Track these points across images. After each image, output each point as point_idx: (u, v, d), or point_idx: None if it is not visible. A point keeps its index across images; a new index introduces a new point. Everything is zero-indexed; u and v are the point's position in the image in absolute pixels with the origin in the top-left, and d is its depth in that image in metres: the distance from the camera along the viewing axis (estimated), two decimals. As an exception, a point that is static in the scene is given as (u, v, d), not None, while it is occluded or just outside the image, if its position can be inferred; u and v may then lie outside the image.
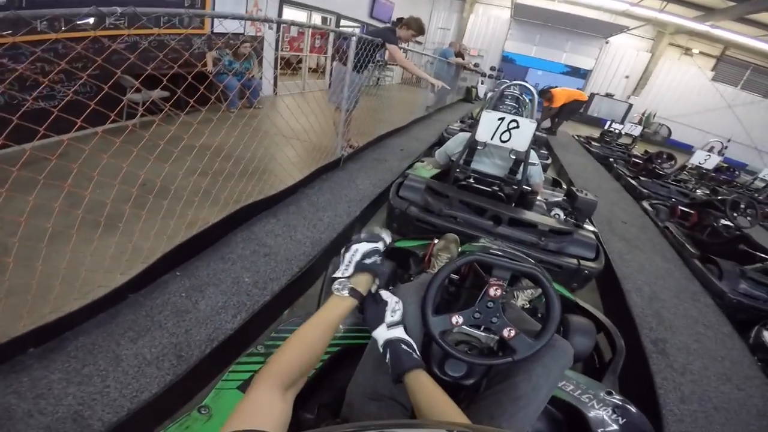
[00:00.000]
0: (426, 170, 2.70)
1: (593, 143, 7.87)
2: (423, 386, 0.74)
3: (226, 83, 4.22)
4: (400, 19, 3.65)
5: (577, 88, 13.57)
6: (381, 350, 0.82)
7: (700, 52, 13.51)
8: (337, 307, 0.79)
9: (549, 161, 4.91)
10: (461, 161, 2.37)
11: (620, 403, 1.13)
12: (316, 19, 7.80)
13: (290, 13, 6.64)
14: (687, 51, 13.58)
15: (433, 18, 15.36)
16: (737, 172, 7.38)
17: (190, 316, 1.41)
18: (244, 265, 1.74)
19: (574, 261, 2.10)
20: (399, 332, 0.83)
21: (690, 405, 1.63)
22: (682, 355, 1.94)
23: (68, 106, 1.43)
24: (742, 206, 3.59)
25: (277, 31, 5.72)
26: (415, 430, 0.49)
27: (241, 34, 5.36)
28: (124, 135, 1.71)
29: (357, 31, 3.36)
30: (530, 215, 2.27)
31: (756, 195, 6.32)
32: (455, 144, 2.47)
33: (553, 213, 2.55)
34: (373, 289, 0.87)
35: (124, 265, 1.54)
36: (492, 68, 14.04)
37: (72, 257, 1.45)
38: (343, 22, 7.90)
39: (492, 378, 0.94)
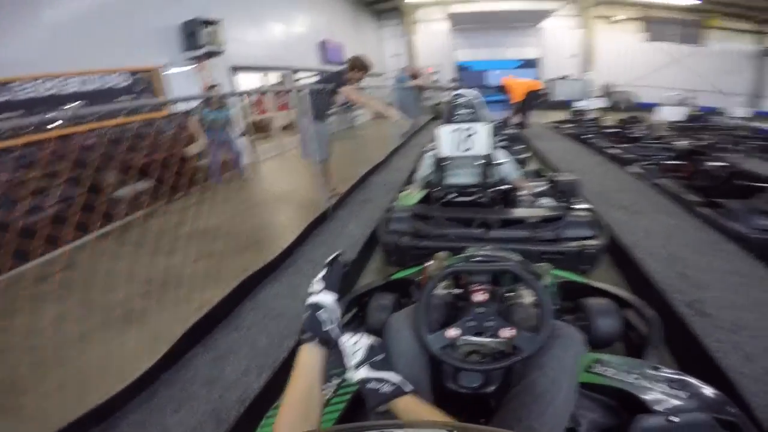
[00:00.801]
0: (411, 198, 2.72)
1: (564, 125, 8.07)
2: (413, 411, 0.73)
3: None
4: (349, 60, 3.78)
5: (535, 78, 14.17)
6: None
7: (627, 18, 14.30)
8: (308, 357, 0.80)
9: (528, 154, 4.95)
10: (435, 180, 2.38)
11: (675, 376, 1.05)
12: (273, 78, 8.11)
13: (245, 78, 6.78)
14: (610, 19, 14.34)
15: (384, 48, 16.08)
16: (708, 118, 7.57)
17: (219, 383, 1.53)
18: (258, 330, 1.85)
19: (575, 243, 2.07)
20: (364, 372, 0.80)
21: (760, 362, 1.47)
22: (725, 311, 1.79)
23: (58, 216, 1.47)
24: (724, 146, 3.65)
25: (241, 98, 5.89)
26: (415, 430, 0.50)
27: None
28: (121, 232, 1.81)
29: (313, 80, 3.47)
30: (516, 211, 2.28)
31: (735, 131, 6.52)
32: (426, 165, 2.50)
33: (540, 203, 2.55)
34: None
35: (149, 351, 1.68)
36: (452, 79, 14.54)
37: (104, 352, 1.68)
38: (299, 74, 8.19)
39: (512, 382, 0.91)
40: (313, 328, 0.82)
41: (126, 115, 3.58)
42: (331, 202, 3.37)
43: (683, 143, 4.83)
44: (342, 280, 0.93)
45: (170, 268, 2.06)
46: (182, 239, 2.16)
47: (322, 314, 0.83)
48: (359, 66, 3.53)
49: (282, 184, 3.00)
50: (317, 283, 0.90)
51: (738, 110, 6.82)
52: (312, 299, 0.87)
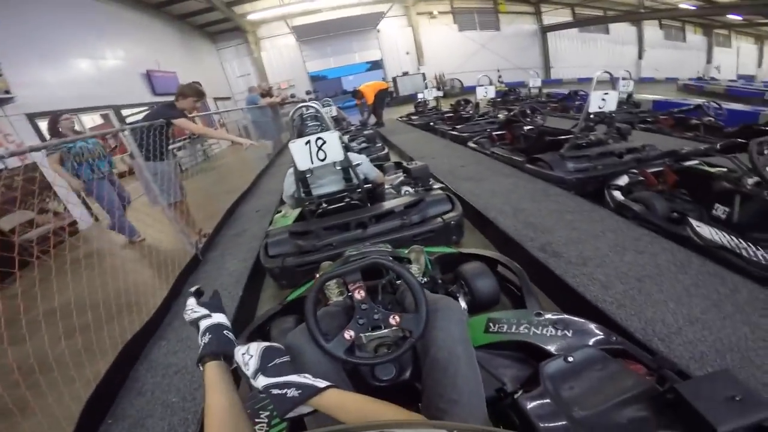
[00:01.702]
0: (286, 218, 2.66)
1: (413, 117, 8.94)
2: (340, 403, 0.70)
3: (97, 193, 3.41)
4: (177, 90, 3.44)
5: (382, 79, 15.28)
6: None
7: (439, 12, 16.61)
8: (219, 372, 0.79)
9: (386, 150, 5.34)
10: (302, 195, 2.41)
11: (556, 317, 1.21)
12: (92, 120, 6.93)
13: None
14: (431, 15, 16.51)
15: (227, 70, 15.22)
16: (518, 90, 9.31)
17: None
18: (163, 389, 1.75)
19: (438, 219, 2.32)
20: (260, 382, 0.76)
21: (615, 287, 1.65)
22: (571, 248, 2.03)
23: None
24: (528, 111, 4.52)
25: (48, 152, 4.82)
26: (415, 430, 0.49)
27: (3, 169, 4.31)
28: None
29: (139, 117, 3.06)
30: (384, 205, 2.46)
31: (538, 99, 8.16)
32: (289, 183, 2.49)
33: (403, 192, 2.78)
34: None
35: None
36: (307, 92, 14.64)
37: None
38: (126, 111, 7.19)
39: (421, 363, 0.97)
40: (223, 349, 0.82)
41: None
42: (200, 245, 3.04)
43: (501, 115, 5.81)
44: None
45: (35, 353, 1.77)
46: (33, 323, 1.84)
47: (230, 333, 0.86)
48: (192, 94, 3.25)
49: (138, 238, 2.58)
50: (197, 309, 0.90)
51: (533, 81, 8.52)
52: (209, 321, 0.87)
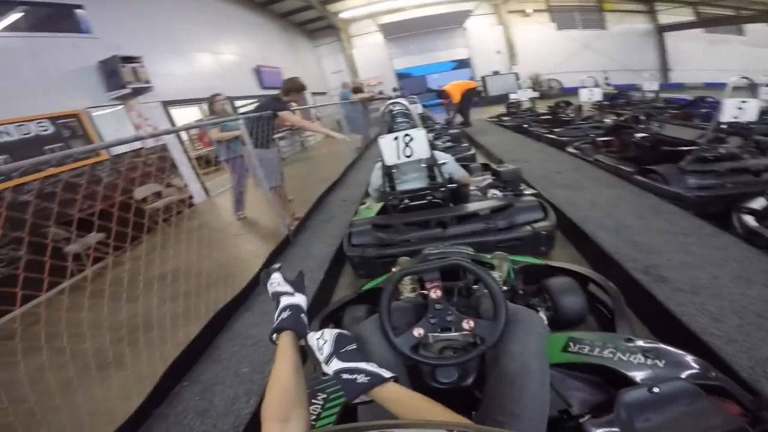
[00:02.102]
0: (370, 210, 2.75)
1: (504, 118, 8.48)
2: (398, 397, 0.71)
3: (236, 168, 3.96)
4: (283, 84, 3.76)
5: (470, 78, 14.87)
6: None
7: (534, 10, 15.45)
8: (290, 342, 0.81)
9: (472, 151, 5.19)
10: (387, 189, 2.46)
11: (649, 345, 1.08)
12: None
13: (179, 113, 6.53)
14: (524, 13, 15.45)
15: (323, 66, 16.17)
16: (629, 93, 8.31)
17: (211, 413, 1.56)
18: (238, 358, 1.88)
19: (527, 227, 2.19)
20: (333, 365, 0.80)
21: (728, 320, 1.46)
22: (681, 273, 1.81)
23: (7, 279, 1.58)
24: (642, 117, 4.00)
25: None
26: (415, 430, 0.49)
27: (141, 148, 5.19)
28: (80, 286, 1.92)
29: (251, 107, 3.41)
30: (468, 206, 2.39)
31: (652, 104, 7.20)
32: (376, 177, 2.57)
33: (490, 194, 2.67)
34: (302, 342, 0.87)
35: (136, 391, 1.70)
36: (394, 89, 14.89)
37: (91, 397, 1.75)
38: (238, 103, 8.01)
39: (487, 372, 0.94)
40: (297, 329, 0.83)
41: (55, 165, 3.37)
42: (291, 228, 3.30)
43: (609, 120, 5.25)
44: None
45: (140, 313, 2.08)
46: (148, 284, 2.18)
47: (305, 318, 0.87)
48: (294, 88, 3.54)
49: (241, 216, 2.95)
50: (282, 284, 0.93)
51: (648, 84, 7.52)
52: (291, 300, 0.89)
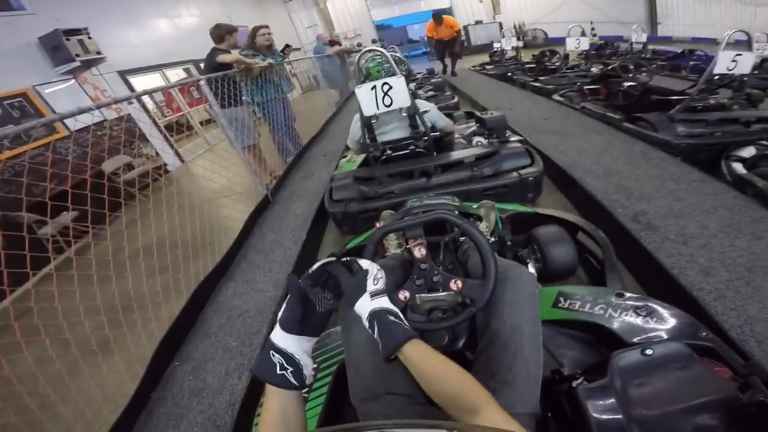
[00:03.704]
0: (351, 163, 2.63)
1: (487, 67, 8.25)
2: (423, 356, 0.66)
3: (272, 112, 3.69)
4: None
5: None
6: (367, 325, 0.71)
7: None
8: (276, 394, 0.67)
9: (455, 99, 5.04)
10: (367, 141, 2.34)
11: (640, 302, 1.05)
12: (175, 74, 7.39)
13: (140, 81, 6.18)
14: None
15: (295, 22, 15.29)
16: (616, 44, 8.13)
17: (205, 391, 1.55)
18: (226, 332, 1.84)
19: (514, 174, 2.12)
20: (384, 302, 0.72)
21: (718, 275, 1.40)
22: (670, 221, 1.75)
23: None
24: (631, 67, 3.90)
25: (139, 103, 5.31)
26: (415, 430, 0.48)
27: (104, 120, 4.89)
28: (61, 270, 1.85)
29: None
30: (452, 154, 2.32)
31: (640, 55, 7.06)
32: (355, 129, 2.46)
33: (474, 142, 2.58)
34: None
35: (132, 374, 1.68)
36: (373, 41, 14.28)
37: (93, 383, 1.72)
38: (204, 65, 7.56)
39: (479, 334, 0.87)
40: (265, 373, 0.67)
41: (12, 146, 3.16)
42: (270, 187, 3.15)
43: (596, 69, 5.11)
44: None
45: (126, 292, 2.03)
46: (124, 263, 2.06)
47: (275, 357, 0.68)
48: (223, 32, 3.34)
49: (217, 181, 2.81)
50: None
51: (636, 36, 7.35)
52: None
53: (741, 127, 2.67)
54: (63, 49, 4.66)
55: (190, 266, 2.28)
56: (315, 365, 0.73)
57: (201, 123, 7.52)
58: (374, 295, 0.72)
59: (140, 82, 6.09)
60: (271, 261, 2.28)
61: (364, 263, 0.77)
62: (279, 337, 0.69)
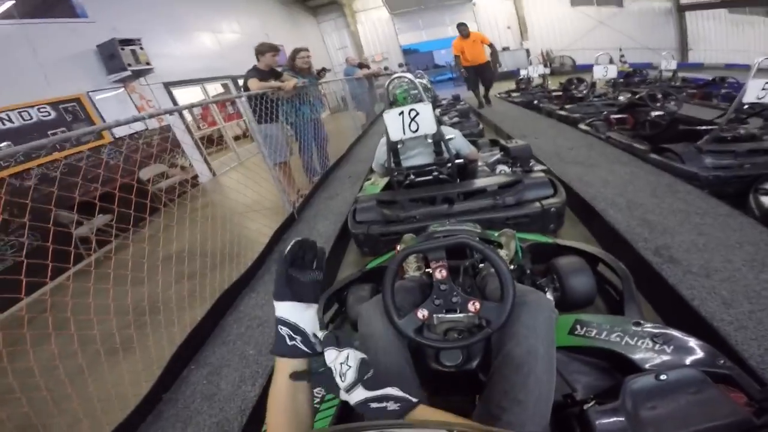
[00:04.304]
0: (375, 186, 2.71)
1: (513, 94, 8.27)
2: (429, 418, 0.65)
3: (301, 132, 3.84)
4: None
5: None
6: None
7: None
8: (286, 366, 0.72)
9: (480, 126, 5.08)
10: (392, 165, 2.41)
11: (658, 330, 1.05)
12: (213, 89, 7.76)
13: (182, 93, 6.48)
14: None
15: (327, 42, 15.86)
16: (645, 72, 8.03)
17: (217, 396, 1.58)
18: (244, 340, 1.88)
19: (536, 204, 2.13)
20: (360, 393, 0.67)
21: (739, 306, 1.41)
22: (693, 255, 1.75)
23: (19, 266, 1.59)
24: (659, 95, 3.87)
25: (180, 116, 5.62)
26: (415, 430, 0.48)
27: (145, 129, 5.21)
28: (90, 269, 1.86)
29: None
30: (475, 182, 2.35)
31: (670, 83, 6.97)
32: (381, 152, 2.52)
33: (498, 170, 2.61)
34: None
35: (147, 375, 1.73)
36: (400, 65, 14.59)
37: (106, 382, 1.78)
38: (241, 81, 7.92)
39: (492, 355, 0.90)
40: (278, 347, 0.72)
41: (57, 149, 3.40)
42: (297, 205, 3.27)
43: (623, 97, 5.07)
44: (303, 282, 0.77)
45: (150, 295, 2.11)
46: (156, 266, 2.18)
47: (282, 330, 0.72)
48: (264, 50, 3.46)
49: (246, 195, 2.95)
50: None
51: (666, 63, 7.26)
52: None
53: None
54: (117, 57, 4.92)
55: (216, 275, 2.37)
56: (323, 332, 0.73)
57: (233, 138, 7.86)
58: (349, 390, 0.68)
59: (182, 95, 6.39)
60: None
61: (329, 356, 0.70)
62: (279, 309, 0.73)
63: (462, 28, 6.41)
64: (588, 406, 0.83)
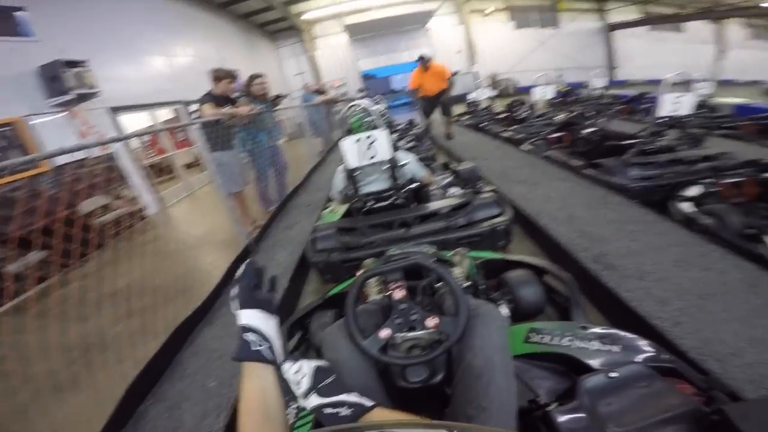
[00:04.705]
0: (334, 214, 2.73)
1: (463, 118, 8.70)
2: (386, 419, 0.69)
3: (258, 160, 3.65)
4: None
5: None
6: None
7: (496, 10, 16.07)
8: (253, 373, 0.73)
9: (433, 150, 5.29)
10: (351, 192, 2.45)
11: (604, 331, 1.14)
12: (163, 114, 7.50)
13: (130, 118, 6.15)
14: (484, 12, 16.05)
15: (284, 68, 15.85)
16: (578, 91, 8.78)
17: (181, 430, 1.53)
18: (204, 373, 1.83)
19: (486, 224, 2.26)
20: (314, 399, 0.74)
21: (673, 304, 1.56)
22: (628, 260, 1.93)
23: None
24: (590, 114, 4.26)
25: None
26: (415, 430, 0.49)
27: (86, 157, 4.84)
28: (23, 308, 1.84)
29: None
30: (430, 205, 2.44)
31: (600, 100, 7.66)
32: (339, 180, 2.56)
33: (450, 193, 2.73)
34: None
35: (98, 413, 1.63)
36: (359, 90, 14.84)
37: (51, 423, 1.66)
38: (194, 107, 7.72)
39: (455, 368, 0.95)
40: (244, 352, 0.73)
41: None
42: (253, 236, 3.20)
43: (560, 117, 5.51)
44: (258, 291, 0.82)
45: (97, 331, 2.00)
46: (99, 302, 2.09)
47: (249, 336, 0.75)
48: (222, 76, 3.39)
49: (198, 227, 2.84)
50: (232, 302, 0.81)
51: (597, 82, 7.98)
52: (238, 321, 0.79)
53: (687, 167, 2.92)
54: (59, 80, 4.56)
55: (169, 309, 2.28)
56: (283, 342, 0.78)
57: (184, 166, 7.57)
58: (305, 396, 0.74)
59: (129, 120, 6.05)
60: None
61: (284, 368, 0.76)
62: (244, 317, 0.76)
63: (423, 60, 5.89)
64: (550, 409, 0.88)
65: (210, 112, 3.24)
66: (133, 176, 5.51)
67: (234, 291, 0.80)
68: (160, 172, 6.17)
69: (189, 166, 7.85)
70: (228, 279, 2.67)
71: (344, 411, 0.70)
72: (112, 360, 1.93)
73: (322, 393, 0.73)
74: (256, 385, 0.70)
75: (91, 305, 2.00)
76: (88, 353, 1.90)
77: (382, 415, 0.70)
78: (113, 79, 5.78)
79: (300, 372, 0.77)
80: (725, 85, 13.86)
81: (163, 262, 2.67)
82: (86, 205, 4.33)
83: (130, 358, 1.94)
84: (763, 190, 2.21)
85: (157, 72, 7.39)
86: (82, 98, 4.97)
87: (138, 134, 2.54)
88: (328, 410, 0.71)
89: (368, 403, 0.72)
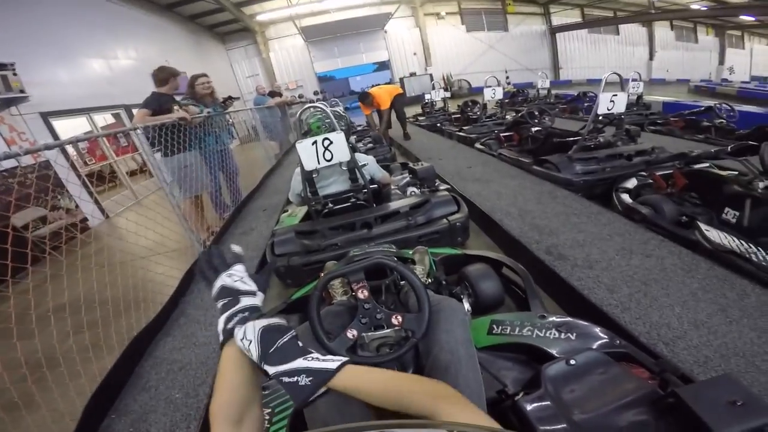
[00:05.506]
0: (293, 217, 2.68)
1: (419, 118, 8.94)
2: (359, 382, 0.63)
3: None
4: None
5: (389, 80, 15.27)
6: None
7: (447, 13, 16.65)
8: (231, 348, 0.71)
9: (392, 151, 5.35)
10: (308, 194, 2.43)
11: (561, 320, 1.21)
12: (101, 119, 7.05)
13: (64, 124, 5.73)
14: (438, 15, 16.53)
15: (236, 71, 15.35)
16: (526, 91, 9.26)
17: None
18: (167, 384, 1.77)
19: (444, 221, 2.33)
20: (269, 369, 0.64)
21: (621, 291, 1.65)
22: (576, 250, 2.03)
23: None
24: (536, 113, 4.51)
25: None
26: (415, 430, 0.49)
27: (18, 166, 4.45)
28: None
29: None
30: (391, 205, 2.48)
31: (546, 100, 8.12)
32: (296, 182, 2.52)
33: (409, 192, 2.78)
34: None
35: (59, 429, 1.60)
36: (315, 92, 14.69)
37: None
38: (136, 110, 7.28)
39: (423, 363, 0.98)
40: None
41: None
42: (207, 244, 3.07)
43: (509, 116, 5.78)
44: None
45: (44, 347, 1.85)
46: (47, 317, 1.93)
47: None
48: (165, 76, 3.27)
49: (148, 236, 2.66)
50: (247, 281, 0.80)
51: (542, 82, 8.47)
52: (252, 302, 0.77)
53: (625, 161, 3.18)
54: None
55: (122, 322, 2.16)
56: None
57: (128, 173, 7.13)
58: (259, 364, 0.65)
59: (64, 125, 5.67)
60: (212, 316, 2.21)
61: (235, 335, 0.69)
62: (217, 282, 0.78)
63: (364, 99, 6.16)
64: (518, 398, 0.91)
65: (140, 119, 3.05)
66: (71, 185, 5.09)
67: (242, 269, 0.81)
68: (103, 180, 5.74)
69: (134, 173, 7.39)
70: (182, 290, 2.57)
71: (303, 380, 0.61)
72: (67, 376, 1.81)
73: (272, 361, 0.64)
74: (230, 357, 0.70)
75: (35, 321, 1.83)
76: (39, 370, 1.77)
77: (352, 373, 0.63)
78: (47, 83, 5.47)
79: (245, 338, 0.66)
80: (656, 84, 15.28)
81: (111, 274, 2.50)
82: (19, 218, 4.04)
83: (86, 374, 1.84)
84: (691, 181, 2.43)
85: (96, 75, 6.98)
86: (8, 103, 4.67)
87: (73, 141, 2.31)
88: (287, 379, 0.62)
89: (332, 365, 0.63)
